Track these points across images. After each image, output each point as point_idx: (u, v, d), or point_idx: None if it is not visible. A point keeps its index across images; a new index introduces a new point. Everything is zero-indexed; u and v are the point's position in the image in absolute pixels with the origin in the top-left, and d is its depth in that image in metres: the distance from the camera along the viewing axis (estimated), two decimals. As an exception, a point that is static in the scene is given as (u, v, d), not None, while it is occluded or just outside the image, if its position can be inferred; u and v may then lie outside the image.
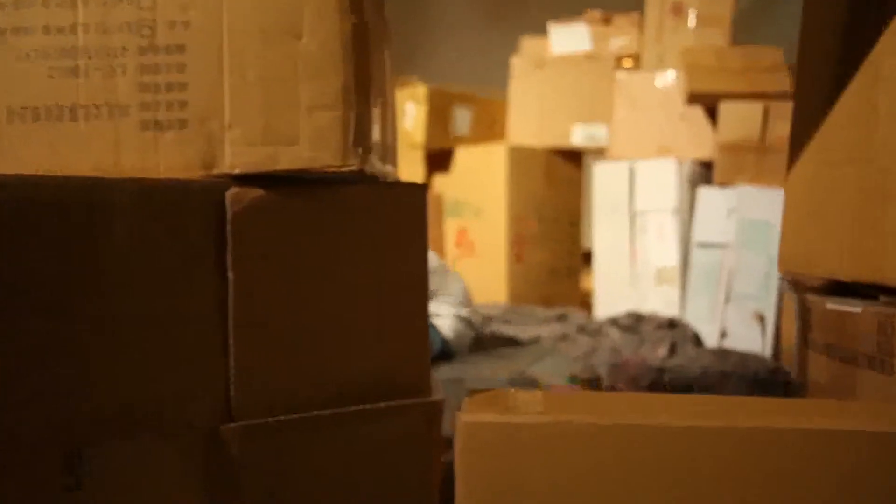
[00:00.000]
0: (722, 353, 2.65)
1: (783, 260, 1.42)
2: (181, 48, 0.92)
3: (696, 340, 2.97)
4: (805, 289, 1.37)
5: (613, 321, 3.16)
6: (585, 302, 3.99)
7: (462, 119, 3.86)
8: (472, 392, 0.91)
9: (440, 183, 3.87)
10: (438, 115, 3.81)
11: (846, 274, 1.18)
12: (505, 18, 4.78)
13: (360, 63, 0.94)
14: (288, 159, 0.92)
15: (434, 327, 2.78)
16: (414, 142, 3.77)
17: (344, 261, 0.99)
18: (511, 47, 4.05)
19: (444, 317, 2.86)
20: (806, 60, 1.46)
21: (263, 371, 0.93)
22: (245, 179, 0.92)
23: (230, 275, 0.91)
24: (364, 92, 0.95)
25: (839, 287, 1.23)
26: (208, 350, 0.89)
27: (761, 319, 2.77)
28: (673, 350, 2.87)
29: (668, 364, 2.67)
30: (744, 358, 2.60)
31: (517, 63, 3.86)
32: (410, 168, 3.84)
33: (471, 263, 3.68)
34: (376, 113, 1.01)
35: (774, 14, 4.84)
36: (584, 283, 3.94)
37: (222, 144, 0.92)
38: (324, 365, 0.97)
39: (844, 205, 1.20)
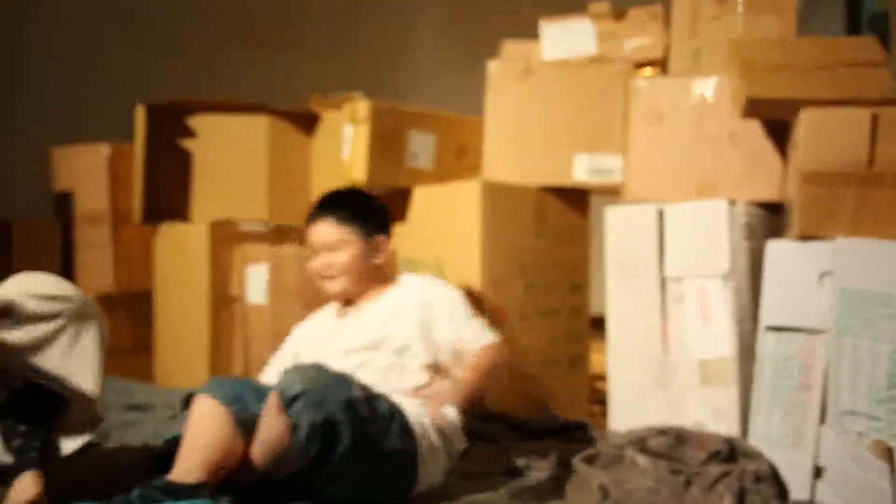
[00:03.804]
0: (835, 522, 1.57)
1: None
2: None
3: (777, 484, 1.89)
4: None
5: (640, 442, 2.11)
6: (596, 391, 2.94)
7: (421, 147, 2.90)
8: None
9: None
10: (388, 141, 2.84)
11: None
12: (487, 25, 3.79)
13: None
14: None
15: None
16: (353, 178, 2.75)
17: None
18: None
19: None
20: None
21: None
22: None
23: None
24: None
25: None
26: None
27: (889, 453, 1.71)
28: (742, 503, 1.81)
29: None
30: (877, 534, 1.53)
31: (496, 71, 2.84)
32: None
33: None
34: None
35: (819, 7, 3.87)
36: (595, 359, 2.90)
37: None
38: None
39: None
